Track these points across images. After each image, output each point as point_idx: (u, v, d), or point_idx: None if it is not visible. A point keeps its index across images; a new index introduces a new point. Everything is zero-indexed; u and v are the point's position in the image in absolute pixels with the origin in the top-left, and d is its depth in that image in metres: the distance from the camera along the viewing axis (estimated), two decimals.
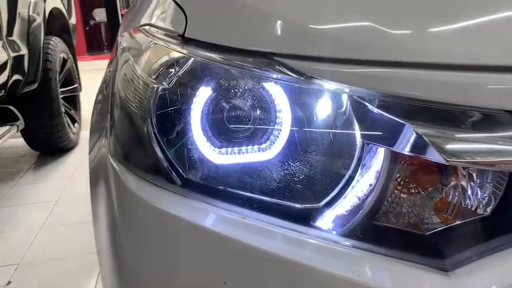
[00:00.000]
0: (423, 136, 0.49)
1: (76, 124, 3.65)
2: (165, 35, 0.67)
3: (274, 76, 0.56)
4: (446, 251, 0.52)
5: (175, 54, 0.62)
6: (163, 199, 0.59)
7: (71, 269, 1.92)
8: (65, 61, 3.52)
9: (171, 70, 0.61)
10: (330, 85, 0.54)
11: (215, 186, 0.59)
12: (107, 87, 0.82)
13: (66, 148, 3.43)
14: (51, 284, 1.85)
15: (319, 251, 0.53)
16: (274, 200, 0.57)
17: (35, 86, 3.01)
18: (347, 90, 0.53)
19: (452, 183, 0.54)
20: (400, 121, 0.50)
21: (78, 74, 3.82)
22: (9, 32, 2.68)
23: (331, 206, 0.56)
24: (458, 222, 0.54)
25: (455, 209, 0.54)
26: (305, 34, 0.56)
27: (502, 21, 0.52)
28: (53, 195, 2.68)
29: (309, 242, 0.53)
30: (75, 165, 3.17)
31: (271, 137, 0.57)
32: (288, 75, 0.55)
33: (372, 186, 0.54)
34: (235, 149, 0.58)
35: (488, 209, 0.54)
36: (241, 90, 0.58)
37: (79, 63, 4.05)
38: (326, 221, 0.56)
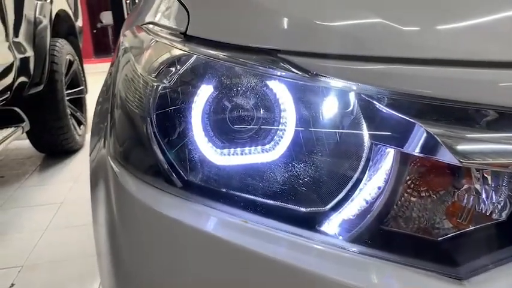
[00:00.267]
0: (435, 136, 0.47)
1: (82, 126, 3.66)
2: (167, 32, 0.66)
3: (279, 74, 0.54)
4: (459, 258, 0.50)
5: (177, 52, 0.61)
6: (163, 202, 0.58)
7: (75, 271, 1.91)
8: (71, 63, 3.54)
9: (172, 68, 0.60)
10: (336, 83, 0.52)
11: (216, 189, 0.57)
12: (108, 88, 0.81)
13: (71, 150, 3.44)
14: (55, 286, 1.84)
15: (324, 257, 0.51)
16: (278, 203, 0.55)
17: (41, 87, 3.02)
18: (354, 88, 0.51)
19: (465, 187, 0.52)
20: (411, 120, 0.48)
21: (84, 76, 3.83)
22: (15, 34, 2.68)
23: (338, 209, 0.54)
24: (471, 227, 0.52)
25: (469, 214, 0.52)
26: (310, 30, 0.54)
27: None
28: (58, 197, 2.68)
29: (314, 247, 0.51)
30: (81, 167, 3.17)
31: (275, 137, 0.56)
32: (293, 72, 0.53)
33: (381, 189, 0.52)
34: (238, 149, 0.57)
35: (504, 214, 0.51)
36: (244, 88, 0.57)
37: (86, 65, 4.07)
38: (332, 225, 0.54)
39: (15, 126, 2.70)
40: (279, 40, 0.55)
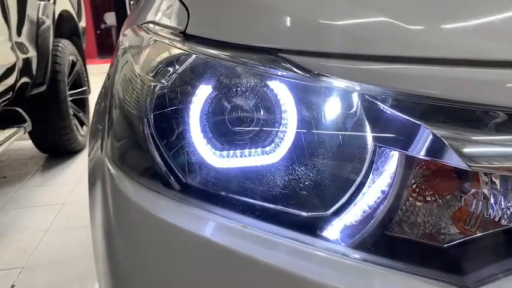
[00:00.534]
0: (441, 138, 0.46)
1: (84, 127, 3.66)
2: (166, 31, 0.65)
3: (280, 73, 0.53)
4: (467, 266, 0.49)
5: (176, 51, 0.60)
6: (160, 206, 0.57)
7: (76, 273, 1.91)
8: (73, 64, 3.54)
9: (170, 68, 0.59)
10: (339, 83, 0.51)
11: (215, 192, 0.56)
12: (107, 89, 0.80)
13: (74, 151, 3.44)
14: None
15: (326, 264, 0.49)
16: (278, 208, 0.54)
17: (44, 88, 3.02)
18: (358, 88, 0.50)
19: (472, 191, 0.51)
20: (416, 122, 0.47)
21: (87, 77, 3.84)
22: (18, 34, 2.69)
23: (340, 214, 0.52)
24: (479, 234, 0.50)
25: (477, 220, 0.50)
26: (312, 28, 0.53)
27: None
28: (60, 198, 2.67)
29: (315, 254, 0.50)
30: (83, 168, 3.16)
31: (276, 139, 0.55)
32: (294, 72, 0.52)
33: (385, 194, 0.51)
34: (237, 152, 0.56)
35: None
36: (244, 88, 0.56)
37: (89, 66, 4.07)
38: (334, 231, 0.52)
39: (17, 127, 2.70)
40: (280, 39, 0.54)
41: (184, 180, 0.57)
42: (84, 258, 1.98)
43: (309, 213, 0.53)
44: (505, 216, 0.49)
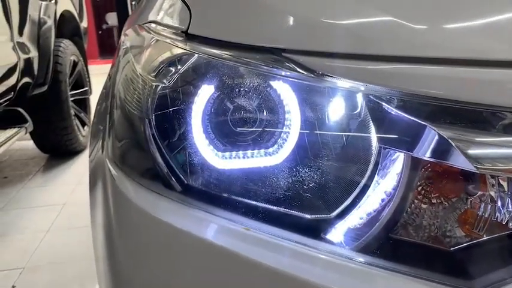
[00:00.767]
0: (447, 139, 0.45)
1: (86, 127, 3.66)
2: (168, 31, 0.65)
3: (283, 73, 0.52)
4: (474, 270, 0.48)
5: (177, 51, 0.59)
6: (162, 207, 0.56)
7: (77, 273, 1.90)
8: (75, 64, 3.54)
9: (172, 68, 0.59)
10: (343, 83, 0.50)
11: (217, 194, 0.55)
12: (108, 89, 0.79)
13: (75, 151, 3.44)
14: None
15: (329, 268, 0.48)
16: (281, 210, 0.53)
17: (45, 88, 3.02)
18: (362, 88, 0.49)
19: (479, 193, 0.50)
20: (421, 123, 0.46)
21: (88, 77, 3.84)
22: (20, 34, 2.69)
23: (344, 217, 0.52)
24: (486, 237, 0.49)
25: (484, 223, 0.49)
26: (316, 28, 0.52)
27: None
28: (61, 198, 2.67)
29: (319, 257, 0.49)
30: (84, 169, 3.16)
31: (279, 140, 0.54)
32: (298, 72, 0.51)
33: (390, 196, 0.50)
34: (240, 153, 0.55)
35: None
36: (247, 89, 0.55)
37: (91, 66, 4.07)
38: (338, 233, 0.52)
39: (18, 127, 2.70)
40: (284, 39, 0.53)
41: (185, 182, 0.56)
42: (84, 259, 1.98)
43: (313, 216, 0.52)
44: None
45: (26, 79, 2.75)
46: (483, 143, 0.45)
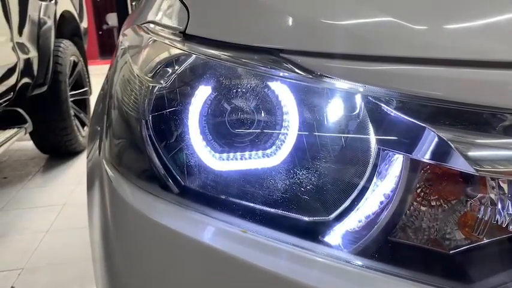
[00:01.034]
0: (447, 141, 0.44)
1: (85, 127, 3.65)
2: (166, 31, 0.64)
3: (281, 74, 0.52)
4: (473, 274, 0.47)
5: (175, 51, 0.59)
6: (158, 209, 0.56)
7: (77, 274, 1.90)
8: (75, 64, 3.54)
9: (169, 68, 0.58)
10: (342, 84, 0.49)
11: (214, 196, 0.55)
12: (106, 90, 0.79)
13: (75, 151, 3.44)
14: None
15: (327, 271, 0.48)
16: (279, 212, 0.53)
17: (45, 88, 3.02)
18: (361, 89, 0.49)
19: (479, 196, 0.49)
20: (420, 124, 0.46)
21: (88, 77, 3.84)
22: (19, 35, 2.68)
23: (342, 219, 0.51)
24: (486, 240, 0.49)
25: (483, 225, 0.49)
26: (315, 28, 0.52)
27: None
28: (61, 199, 2.67)
29: (317, 260, 0.49)
30: (84, 169, 3.14)
31: (277, 141, 0.54)
32: (296, 73, 0.51)
33: (388, 198, 0.50)
34: (237, 154, 0.55)
35: None
36: (244, 90, 0.54)
37: (91, 67, 4.07)
38: (336, 236, 0.51)
39: (18, 127, 2.70)
40: (282, 39, 0.53)
41: (182, 184, 0.56)
42: (84, 260, 1.97)
43: (311, 218, 0.52)
44: None
45: (26, 79, 2.75)
46: (483, 145, 0.45)
